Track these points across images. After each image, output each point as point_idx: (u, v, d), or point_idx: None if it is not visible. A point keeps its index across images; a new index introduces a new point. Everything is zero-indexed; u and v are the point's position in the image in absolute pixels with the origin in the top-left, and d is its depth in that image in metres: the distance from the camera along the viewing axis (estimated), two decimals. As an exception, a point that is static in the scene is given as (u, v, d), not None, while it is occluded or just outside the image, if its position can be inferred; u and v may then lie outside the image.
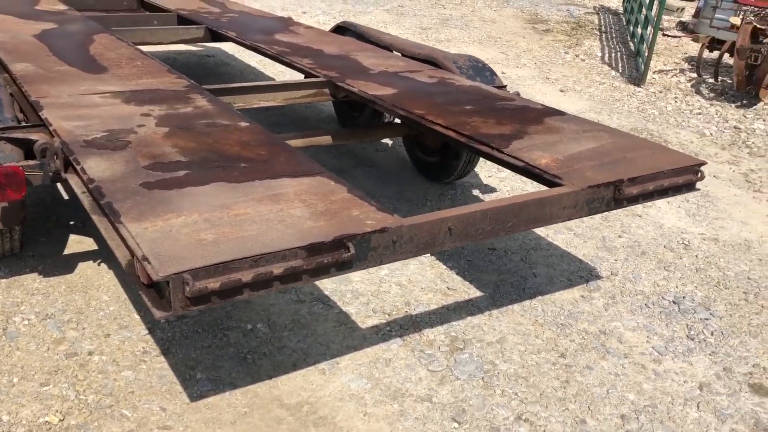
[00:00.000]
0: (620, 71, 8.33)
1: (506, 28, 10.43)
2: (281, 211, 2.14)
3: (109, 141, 2.63)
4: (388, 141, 5.39)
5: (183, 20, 5.47)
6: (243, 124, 2.94)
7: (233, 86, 3.64)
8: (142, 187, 2.24)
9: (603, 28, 10.57)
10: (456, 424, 2.57)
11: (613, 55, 9.08)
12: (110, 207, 2.10)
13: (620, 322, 3.25)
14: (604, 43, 9.71)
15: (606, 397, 2.75)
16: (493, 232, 2.36)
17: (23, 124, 2.94)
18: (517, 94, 3.82)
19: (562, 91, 7.43)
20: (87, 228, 3.69)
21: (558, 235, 4.07)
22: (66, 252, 3.47)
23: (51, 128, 2.73)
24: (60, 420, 2.42)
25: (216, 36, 5.14)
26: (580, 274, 3.69)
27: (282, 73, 7.08)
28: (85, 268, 3.35)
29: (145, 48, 4.71)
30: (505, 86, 4.23)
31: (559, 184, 2.57)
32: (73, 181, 2.54)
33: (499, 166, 5.03)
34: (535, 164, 2.70)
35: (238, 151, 2.62)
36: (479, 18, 11.02)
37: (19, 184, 2.60)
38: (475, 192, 4.62)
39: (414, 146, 4.69)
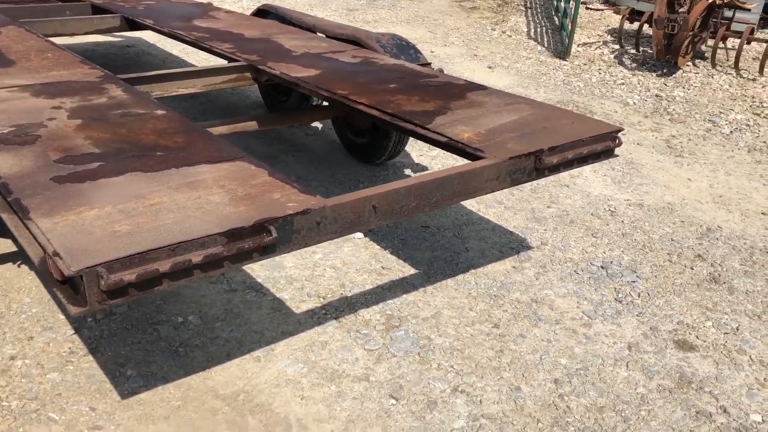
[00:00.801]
0: (546, 46, 8.47)
1: (433, 7, 10.45)
2: (199, 198, 2.09)
3: (17, 136, 2.52)
4: (318, 124, 5.35)
5: (97, 9, 5.27)
6: (159, 112, 2.85)
7: (150, 74, 3.53)
8: (52, 181, 2.15)
9: (528, 4, 10.71)
10: (394, 401, 2.58)
11: (538, 30, 9.22)
12: (18, 203, 2.01)
13: (551, 290, 3.32)
14: (530, 18, 9.85)
15: (539, 364, 2.81)
16: (418, 207, 2.37)
17: (-77, 123, 2.79)
18: (441, 70, 3.83)
19: (490, 67, 7.50)
20: (4, 229, 3.53)
21: (489, 209, 4.13)
22: (-18, 255, 3.33)
23: (-47, 126, 2.59)
24: (-18, 429, 2.33)
25: (133, 24, 4.97)
26: (512, 245, 3.75)
27: (206, 60, 6.91)
28: (3, 270, 3.21)
29: (59, 41, 4.52)
30: (429, 64, 4.23)
31: (482, 157, 2.60)
32: (-20, 180, 2.42)
33: (430, 145, 5.09)
34: (458, 139, 2.72)
35: (154, 139, 2.55)
36: (406, -2, 11.00)
37: None
38: (407, 171, 4.63)
39: (344, 128, 4.67)
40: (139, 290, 1.80)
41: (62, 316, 2.93)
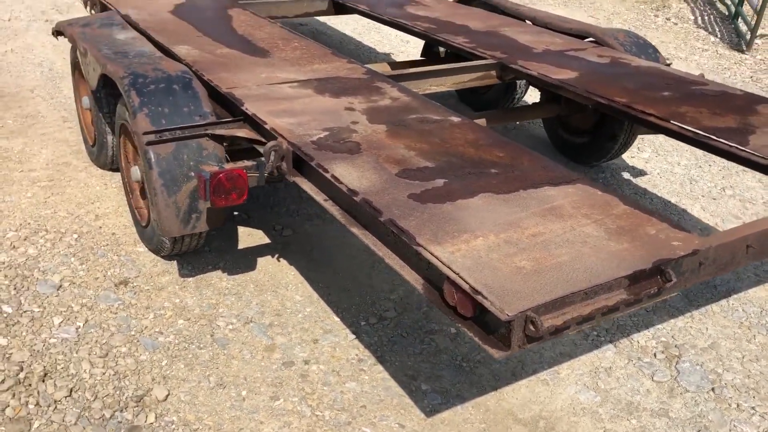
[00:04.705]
0: (718, 36, 7.96)
1: (586, -11, 10.00)
2: (573, 230, 1.97)
3: (336, 142, 2.46)
4: (515, 118, 5.17)
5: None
6: (455, 119, 2.75)
7: (409, 72, 3.44)
8: (411, 199, 2.07)
9: (687, -12, 10.10)
10: (706, 443, 2.43)
11: (706, 18, 8.68)
12: (395, 225, 1.93)
13: (834, 326, 3.08)
14: (692, 4, 9.28)
15: None
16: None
17: (222, 119, 2.78)
18: (702, 75, 3.57)
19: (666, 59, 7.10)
20: (253, 219, 3.55)
21: (726, 223, 3.87)
22: (241, 246, 3.34)
23: (267, 126, 2.55)
24: (306, 440, 2.31)
25: (341, 8, 4.90)
26: (766, 268, 3.50)
27: (380, 43, 6.82)
28: (265, 264, 3.21)
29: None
30: (670, 63, 3.98)
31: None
32: (306, 186, 2.38)
33: (639, 147, 4.82)
34: (794, 167, 2.49)
35: (474, 153, 2.44)
36: (555, -23, 10.57)
37: (242, 188, 2.45)
38: (626, 175, 4.41)
39: (556, 126, 4.47)
40: (551, 335, 1.70)
41: (337, 318, 2.91)
